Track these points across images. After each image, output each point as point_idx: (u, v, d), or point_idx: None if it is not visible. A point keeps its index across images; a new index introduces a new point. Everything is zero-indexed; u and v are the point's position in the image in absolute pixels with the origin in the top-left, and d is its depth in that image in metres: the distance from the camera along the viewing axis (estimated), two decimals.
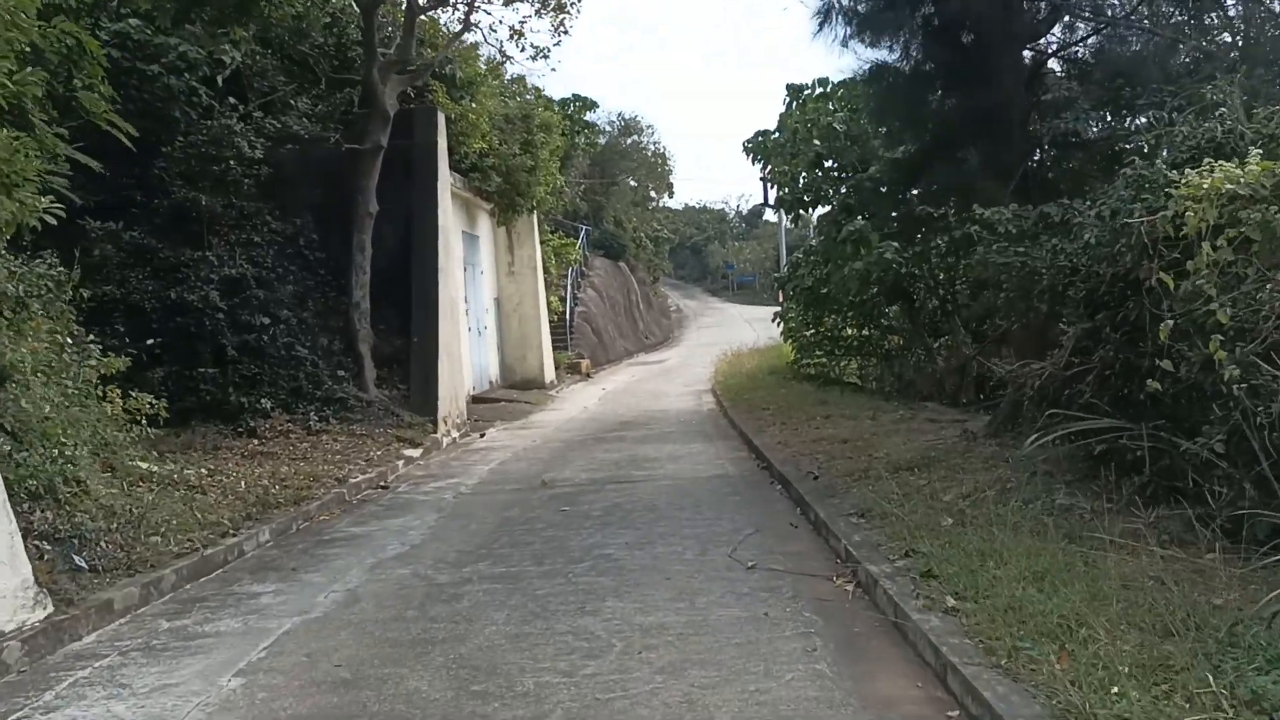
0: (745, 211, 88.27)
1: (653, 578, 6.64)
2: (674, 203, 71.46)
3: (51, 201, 6.25)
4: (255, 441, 13.61)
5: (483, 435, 17.17)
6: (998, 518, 6.74)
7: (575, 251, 37.25)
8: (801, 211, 19.15)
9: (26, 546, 5.73)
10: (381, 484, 11.81)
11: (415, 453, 14.23)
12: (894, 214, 17.34)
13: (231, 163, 15.36)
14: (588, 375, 31.07)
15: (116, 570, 6.58)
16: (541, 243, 31.31)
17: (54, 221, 6.44)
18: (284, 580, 7.19)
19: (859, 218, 16.36)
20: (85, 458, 6.86)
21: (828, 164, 19.25)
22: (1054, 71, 12.27)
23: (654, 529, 8.24)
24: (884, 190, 17.17)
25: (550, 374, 28.21)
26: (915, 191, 12.96)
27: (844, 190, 18.11)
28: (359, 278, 16.26)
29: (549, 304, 31.14)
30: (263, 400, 14.40)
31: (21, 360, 6.28)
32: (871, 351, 20.63)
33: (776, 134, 18.57)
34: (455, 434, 16.64)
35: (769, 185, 38.29)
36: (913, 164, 10.50)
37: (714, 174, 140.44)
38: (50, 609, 5.62)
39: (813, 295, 19.49)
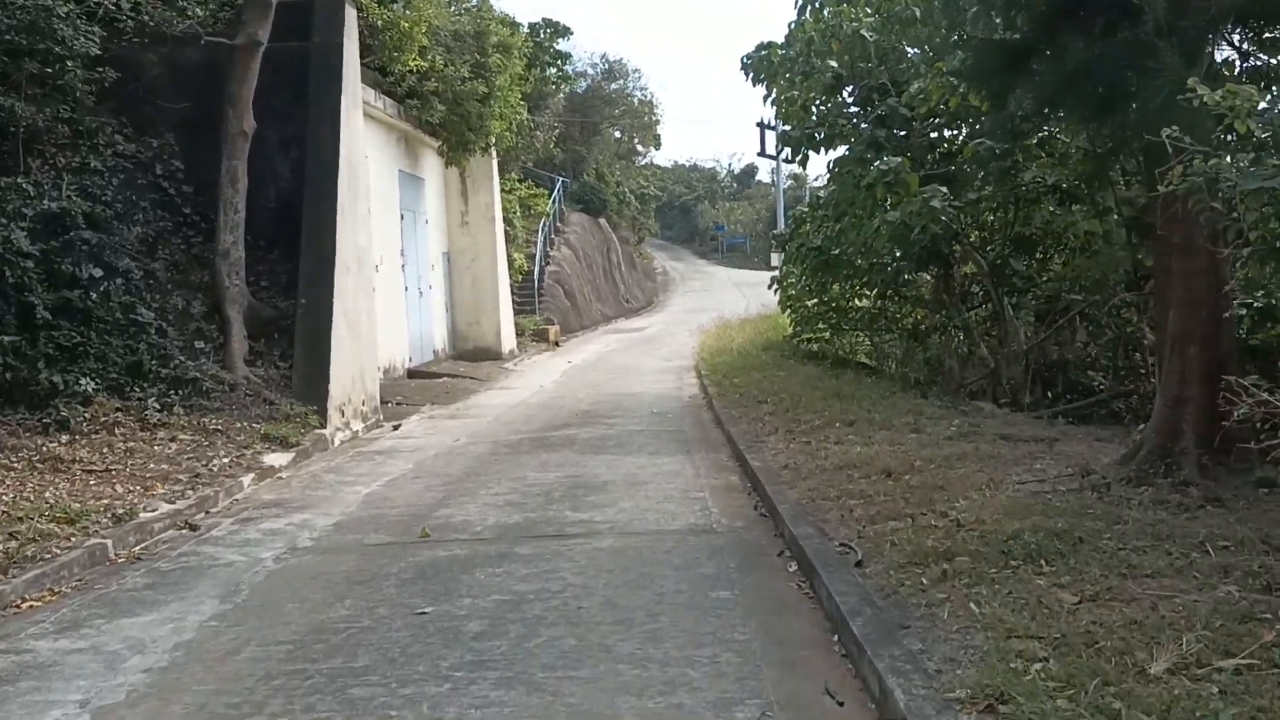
0: (737, 170, 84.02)
1: None
2: (662, 159, 67.34)
3: None
4: (63, 438, 9.80)
5: (396, 428, 13.24)
6: None
7: (547, 204, 33.15)
8: (812, 152, 15.12)
9: None
10: (189, 523, 7.86)
11: (283, 459, 10.33)
12: (935, 150, 13.50)
13: (68, 63, 11.44)
14: (555, 344, 27.12)
15: None
16: (505, 191, 27.25)
17: None
18: None
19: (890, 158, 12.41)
20: None
21: (847, 93, 15.26)
22: None
23: (564, 687, 4.32)
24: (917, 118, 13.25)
25: (510, 342, 24.23)
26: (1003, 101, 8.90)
27: (868, 123, 14.12)
28: (229, 218, 12.23)
29: (513, 262, 27.14)
30: (83, 381, 10.50)
31: None
32: (887, 327, 16.79)
33: (784, 49, 14.58)
34: (358, 426, 12.71)
35: (766, 127, 34.19)
36: (1018, 47, 6.48)
37: (706, 120, 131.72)
38: None
39: (820, 257, 15.60)
